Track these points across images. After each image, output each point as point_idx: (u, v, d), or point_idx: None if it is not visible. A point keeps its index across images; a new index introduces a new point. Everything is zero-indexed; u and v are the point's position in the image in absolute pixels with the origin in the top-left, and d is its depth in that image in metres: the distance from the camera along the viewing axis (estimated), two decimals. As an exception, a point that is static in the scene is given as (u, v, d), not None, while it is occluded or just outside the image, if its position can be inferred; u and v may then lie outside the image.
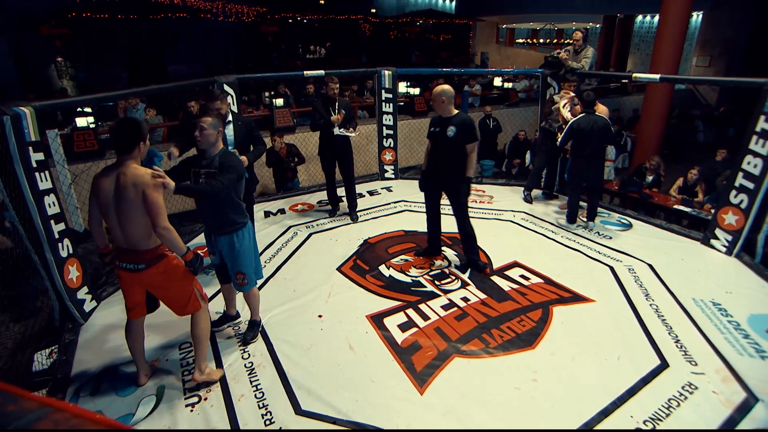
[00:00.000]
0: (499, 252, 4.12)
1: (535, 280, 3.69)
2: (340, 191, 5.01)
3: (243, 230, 2.76)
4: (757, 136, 3.76)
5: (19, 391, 0.39)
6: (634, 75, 5.18)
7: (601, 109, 4.53)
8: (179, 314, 2.53)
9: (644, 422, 2.35)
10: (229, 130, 3.51)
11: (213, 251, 2.87)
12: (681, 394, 2.53)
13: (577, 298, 3.44)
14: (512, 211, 5.08)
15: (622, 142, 8.49)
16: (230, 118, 3.53)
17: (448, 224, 4.63)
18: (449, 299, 3.42)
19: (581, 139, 4.40)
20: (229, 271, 2.86)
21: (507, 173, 7.07)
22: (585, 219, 4.72)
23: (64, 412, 0.37)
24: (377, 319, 3.19)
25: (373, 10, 21.25)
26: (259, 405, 2.48)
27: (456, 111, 3.54)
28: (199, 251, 2.47)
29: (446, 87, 3.52)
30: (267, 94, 8.63)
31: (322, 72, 5.47)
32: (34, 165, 2.86)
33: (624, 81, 11.16)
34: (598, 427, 2.33)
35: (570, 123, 4.43)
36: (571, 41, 5.50)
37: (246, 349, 2.91)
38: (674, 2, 7.10)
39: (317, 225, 4.77)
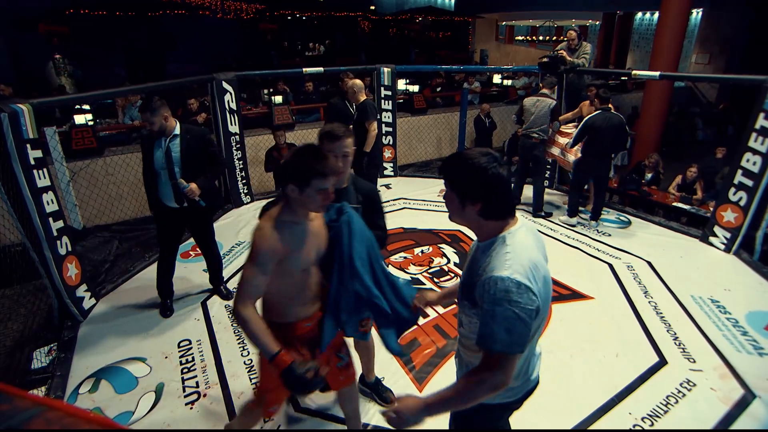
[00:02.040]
0: (498, 249, 4.11)
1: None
2: None
3: None
4: (757, 134, 3.75)
5: (13, 390, 0.39)
6: (634, 72, 5.18)
7: None
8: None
9: (642, 419, 2.36)
10: (176, 147, 2.87)
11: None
12: (679, 391, 2.53)
13: (575, 295, 3.45)
14: (511, 208, 5.06)
15: (621, 139, 8.46)
16: (177, 131, 2.89)
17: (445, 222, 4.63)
18: (448, 297, 3.42)
19: (595, 137, 4.29)
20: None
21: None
22: (588, 219, 4.71)
23: (57, 411, 0.37)
24: (376, 317, 3.19)
25: (372, 7, 21.19)
26: (258, 402, 2.48)
27: (363, 98, 4.19)
28: (299, 360, 1.54)
29: (353, 81, 4.21)
30: (266, 91, 8.61)
31: (321, 69, 5.46)
32: (32, 162, 2.85)
33: (623, 78, 11.12)
34: (596, 424, 2.34)
35: (585, 120, 4.34)
36: (565, 39, 5.46)
37: (245, 347, 2.91)
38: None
39: (316, 223, 4.76)
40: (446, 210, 1.38)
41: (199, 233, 3.27)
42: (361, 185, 2.00)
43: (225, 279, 3.61)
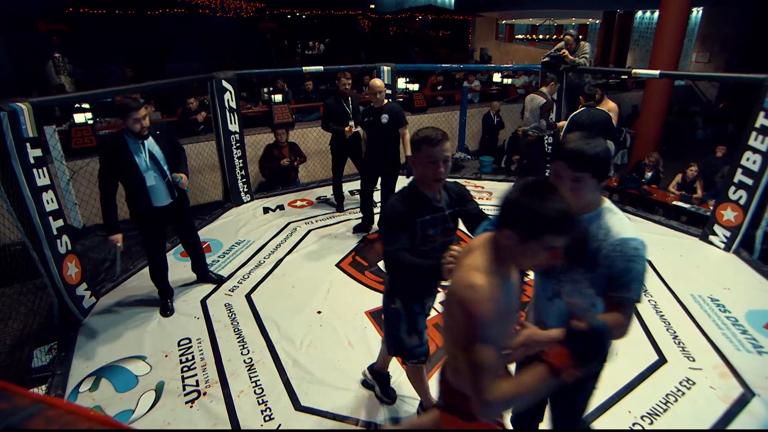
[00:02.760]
0: (497, 248, 4.12)
1: (533, 276, 3.69)
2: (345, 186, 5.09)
3: None
4: (757, 132, 3.75)
5: (12, 388, 0.39)
6: (634, 71, 5.17)
7: (610, 106, 4.50)
8: None
9: (642, 417, 2.36)
10: (154, 146, 2.90)
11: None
12: (679, 390, 2.54)
13: (575, 294, 3.45)
14: (511, 207, 5.07)
15: (621, 138, 8.47)
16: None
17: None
18: (448, 295, 3.42)
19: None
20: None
21: (506, 169, 7.06)
22: None
23: (58, 409, 0.37)
24: (376, 316, 3.19)
25: (372, 6, 21.16)
26: (258, 401, 2.49)
27: (386, 100, 4.04)
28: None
29: (373, 81, 4.03)
30: (266, 90, 8.60)
31: (320, 68, 5.45)
32: (32, 161, 2.85)
33: (623, 77, 11.11)
34: (596, 423, 2.34)
35: (570, 116, 4.42)
36: (563, 39, 5.46)
37: (245, 345, 2.92)
38: (674, -2, 7.06)
39: (316, 221, 4.76)
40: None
41: (184, 222, 3.31)
42: (449, 186, 1.95)
43: (224, 277, 3.65)
